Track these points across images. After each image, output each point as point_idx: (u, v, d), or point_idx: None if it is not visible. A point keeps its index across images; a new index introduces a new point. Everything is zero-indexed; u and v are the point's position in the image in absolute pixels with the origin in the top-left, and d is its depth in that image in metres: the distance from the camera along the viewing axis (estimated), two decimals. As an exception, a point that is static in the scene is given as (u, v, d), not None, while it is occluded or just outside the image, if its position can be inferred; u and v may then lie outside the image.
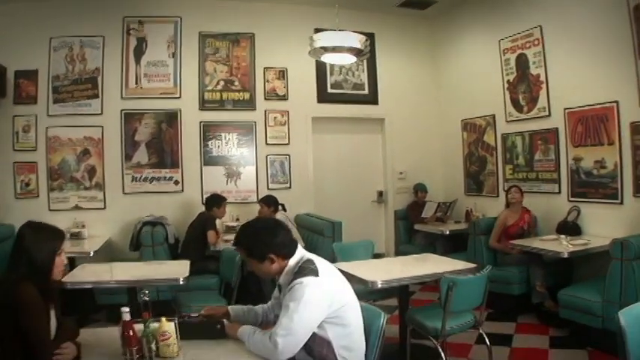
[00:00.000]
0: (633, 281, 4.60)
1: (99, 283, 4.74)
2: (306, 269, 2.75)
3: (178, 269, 4.88)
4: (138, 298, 2.99)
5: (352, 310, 2.79)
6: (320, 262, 2.84)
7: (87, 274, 4.77)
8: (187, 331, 2.71)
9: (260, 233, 2.89)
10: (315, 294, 2.63)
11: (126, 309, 2.52)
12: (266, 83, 8.19)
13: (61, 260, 2.75)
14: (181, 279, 4.52)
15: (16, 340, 2.47)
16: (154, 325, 2.52)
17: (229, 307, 3.18)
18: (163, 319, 2.52)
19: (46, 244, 2.68)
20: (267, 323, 3.06)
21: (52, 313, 2.72)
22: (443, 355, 4.13)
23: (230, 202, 7.32)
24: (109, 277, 4.83)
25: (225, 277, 5.52)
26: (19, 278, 2.53)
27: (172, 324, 2.52)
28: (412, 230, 8.22)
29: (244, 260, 3.09)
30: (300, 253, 2.89)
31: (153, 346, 2.50)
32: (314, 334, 2.66)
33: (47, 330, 2.54)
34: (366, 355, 2.83)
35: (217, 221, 6.94)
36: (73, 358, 2.53)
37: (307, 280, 2.66)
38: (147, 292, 2.70)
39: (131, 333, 2.47)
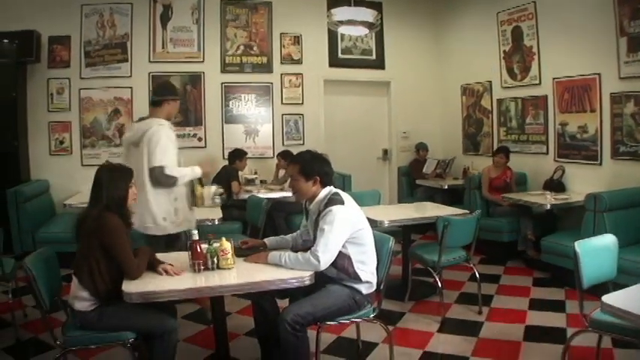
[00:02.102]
0: (604, 229, 5.15)
1: None
2: (335, 200, 3.45)
3: (211, 213, 5.47)
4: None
5: (367, 233, 3.55)
6: (344, 195, 3.57)
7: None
8: (239, 253, 3.50)
9: (317, 158, 3.63)
10: (342, 218, 3.36)
11: (195, 231, 3.29)
12: (282, 48, 8.74)
13: (132, 192, 3.43)
14: (217, 220, 5.20)
15: (100, 258, 3.19)
16: (216, 244, 3.27)
17: (265, 239, 3.93)
18: (223, 239, 3.27)
19: (120, 180, 3.36)
20: (297, 247, 3.81)
21: None
22: (439, 284, 4.87)
23: (248, 157, 7.87)
24: None
25: (252, 220, 6.19)
26: (102, 209, 3.24)
27: (230, 243, 3.28)
28: (414, 185, 8.81)
29: (292, 177, 3.65)
30: (329, 188, 3.60)
31: (215, 259, 3.25)
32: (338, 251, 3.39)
33: (130, 249, 3.24)
34: (378, 269, 3.61)
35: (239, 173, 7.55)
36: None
37: (336, 208, 3.37)
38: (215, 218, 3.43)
39: (198, 249, 3.23)
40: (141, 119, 4.58)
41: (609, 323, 3.20)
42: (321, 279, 3.42)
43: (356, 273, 3.48)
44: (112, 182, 3.33)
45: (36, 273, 3.18)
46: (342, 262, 3.46)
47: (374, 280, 3.59)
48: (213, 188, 5.77)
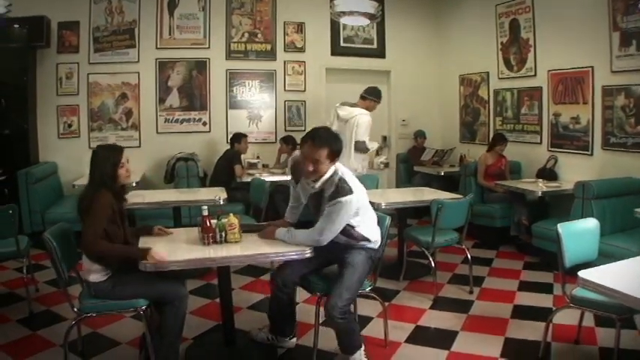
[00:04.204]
0: (591, 216, 5.23)
1: (153, 204, 5.66)
2: (344, 188, 3.51)
3: (216, 193, 5.71)
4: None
5: (366, 204, 3.77)
6: (350, 178, 3.63)
7: (138, 199, 5.55)
8: (245, 229, 3.73)
9: (337, 138, 3.67)
10: (349, 207, 3.52)
11: (205, 206, 3.53)
12: (286, 36, 8.91)
13: (124, 169, 3.59)
14: (221, 199, 5.41)
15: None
16: (225, 219, 3.52)
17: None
18: (231, 214, 3.52)
19: (109, 158, 3.54)
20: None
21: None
22: (433, 264, 5.14)
23: (251, 142, 8.14)
24: (157, 200, 5.73)
25: (255, 201, 6.45)
26: (96, 187, 3.46)
27: (237, 219, 3.52)
28: (411, 172, 9.02)
29: (315, 159, 3.52)
30: (335, 166, 3.66)
31: (223, 233, 3.50)
32: None
33: (100, 224, 3.36)
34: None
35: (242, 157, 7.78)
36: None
37: (345, 200, 3.47)
38: (220, 197, 3.68)
39: (208, 224, 3.48)
40: (350, 104, 6.75)
41: (589, 300, 3.44)
42: (335, 247, 3.69)
43: (362, 235, 3.71)
44: (103, 160, 3.53)
45: (56, 244, 3.40)
46: (348, 230, 3.67)
47: (379, 235, 3.86)
48: (382, 158, 7.51)
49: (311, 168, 3.57)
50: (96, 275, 3.44)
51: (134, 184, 6.87)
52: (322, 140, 3.56)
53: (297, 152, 7.71)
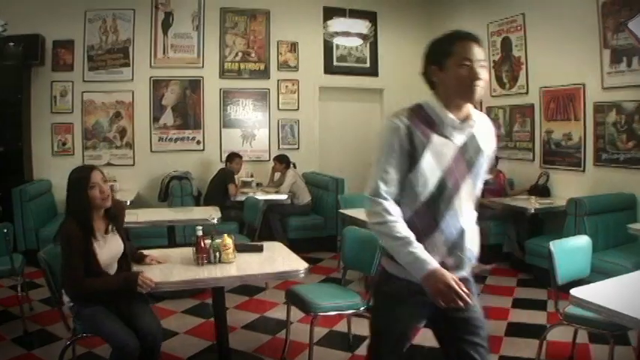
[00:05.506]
0: (584, 232, 5.34)
1: (147, 223, 5.63)
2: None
3: (210, 212, 5.73)
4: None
5: None
6: None
7: (132, 218, 5.41)
8: (240, 249, 3.75)
9: None
10: None
11: (199, 227, 3.54)
12: (279, 55, 8.96)
13: (96, 190, 3.21)
14: (216, 218, 5.39)
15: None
16: (219, 239, 3.53)
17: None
18: (225, 235, 3.54)
19: (75, 183, 3.26)
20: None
21: (117, 236, 3.43)
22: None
23: (245, 161, 8.15)
24: (151, 219, 5.71)
25: (249, 220, 6.42)
26: (65, 217, 3.27)
27: (231, 240, 3.54)
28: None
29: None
30: None
31: (217, 254, 3.51)
32: None
33: (76, 260, 3.14)
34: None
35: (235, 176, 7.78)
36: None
37: None
38: (214, 216, 3.70)
39: (202, 244, 3.49)
40: None
41: (582, 317, 3.45)
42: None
43: None
44: (71, 188, 3.29)
45: (51, 265, 3.39)
46: None
47: None
48: None
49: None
50: (66, 300, 3.42)
51: (128, 203, 6.87)
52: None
53: (290, 171, 7.74)
